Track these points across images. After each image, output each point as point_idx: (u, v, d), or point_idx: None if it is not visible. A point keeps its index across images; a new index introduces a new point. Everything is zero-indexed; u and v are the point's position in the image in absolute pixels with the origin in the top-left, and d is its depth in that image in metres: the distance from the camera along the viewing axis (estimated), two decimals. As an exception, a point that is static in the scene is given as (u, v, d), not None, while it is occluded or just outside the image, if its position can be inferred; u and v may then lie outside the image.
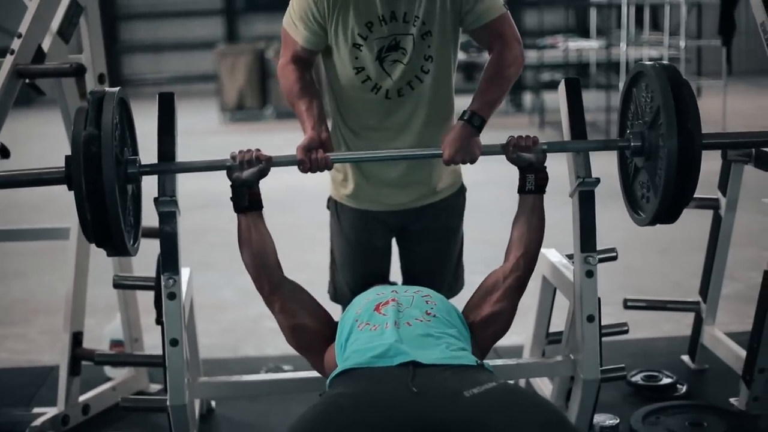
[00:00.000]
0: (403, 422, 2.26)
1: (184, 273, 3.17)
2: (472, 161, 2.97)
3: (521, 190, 2.96)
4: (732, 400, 3.69)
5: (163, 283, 2.81)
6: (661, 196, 2.72)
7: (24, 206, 8.59)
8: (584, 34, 14.20)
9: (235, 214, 2.93)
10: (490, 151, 2.94)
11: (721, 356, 3.88)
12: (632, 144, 2.85)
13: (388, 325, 2.66)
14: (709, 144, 2.82)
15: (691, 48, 12.50)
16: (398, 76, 3.07)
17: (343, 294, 3.45)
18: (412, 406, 2.29)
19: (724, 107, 10.99)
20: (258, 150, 2.84)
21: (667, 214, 2.79)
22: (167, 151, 2.87)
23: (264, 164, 2.83)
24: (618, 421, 3.33)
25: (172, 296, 2.82)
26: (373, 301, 2.85)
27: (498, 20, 3.07)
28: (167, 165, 2.84)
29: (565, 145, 2.97)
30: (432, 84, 3.12)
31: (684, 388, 3.87)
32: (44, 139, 12.96)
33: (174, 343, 2.83)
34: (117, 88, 2.71)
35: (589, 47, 12.86)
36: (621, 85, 11.34)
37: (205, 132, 13.55)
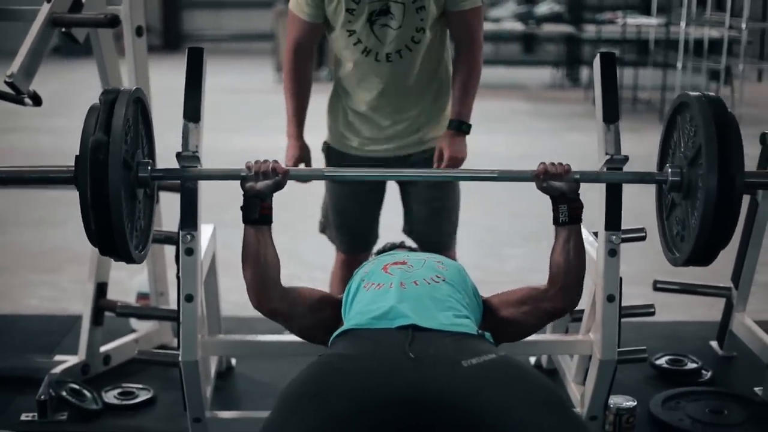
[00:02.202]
0: (396, 388, 2.24)
1: (207, 229, 3.18)
2: (461, 160, 3.46)
3: (555, 221, 2.79)
4: (756, 389, 3.64)
5: (180, 239, 2.81)
6: (695, 239, 2.59)
7: (70, 155, 8.66)
8: (645, 10, 13.98)
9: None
10: (520, 177, 2.83)
11: (749, 344, 3.83)
12: (670, 179, 2.72)
13: (393, 285, 2.64)
14: (752, 183, 2.70)
15: (754, 30, 12.26)
16: (387, 41, 3.33)
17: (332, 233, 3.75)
18: (408, 372, 2.28)
19: (784, 92, 10.82)
20: (275, 161, 2.74)
21: (701, 257, 2.65)
22: (193, 107, 2.86)
23: (280, 177, 2.72)
24: (635, 403, 3.29)
25: (190, 252, 2.83)
26: (383, 261, 2.84)
27: (473, 11, 3.38)
28: (180, 171, 2.78)
29: (599, 175, 2.86)
30: (424, 55, 3.40)
31: (709, 375, 3.82)
32: (100, 89, 12.90)
33: (189, 298, 2.84)
34: (133, 88, 2.64)
35: (648, 24, 12.66)
36: (679, 64, 11.24)
37: (259, 90, 13.59)
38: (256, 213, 2.73)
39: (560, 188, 2.74)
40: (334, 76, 3.58)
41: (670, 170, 2.73)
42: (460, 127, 3.45)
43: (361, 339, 2.48)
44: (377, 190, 3.68)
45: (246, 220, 2.74)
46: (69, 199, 6.43)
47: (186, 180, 2.80)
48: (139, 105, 2.71)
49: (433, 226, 3.66)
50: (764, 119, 10.81)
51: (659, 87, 11.51)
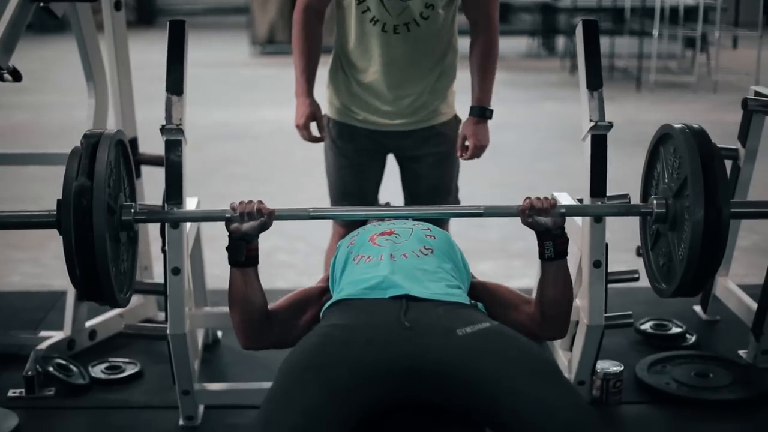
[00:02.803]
0: (394, 357, 2.27)
1: (191, 202, 3.16)
2: (485, 148, 3.50)
3: (541, 257, 2.71)
4: (740, 352, 3.67)
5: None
6: (684, 271, 2.57)
7: (46, 132, 8.63)
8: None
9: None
10: (506, 213, 2.75)
11: (732, 308, 3.85)
12: (655, 211, 2.69)
13: (383, 257, 2.64)
14: (737, 213, 2.68)
15: (729, -3, 12.32)
16: (397, 14, 3.30)
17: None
18: (404, 341, 2.30)
19: (759, 58, 10.83)
20: (260, 202, 2.63)
21: (689, 288, 2.64)
22: (176, 79, 2.84)
23: (266, 218, 2.62)
24: (622, 368, 3.31)
25: (176, 225, 2.81)
26: (369, 231, 2.83)
27: None
28: (164, 214, 2.75)
29: (585, 209, 2.85)
30: (431, 33, 3.37)
31: (693, 339, 3.85)
32: (74, 65, 12.89)
33: (176, 271, 2.83)
34: (114, 131, 2.58)
35: (624, -8, 12.70)
36: (655, 32, 11.25)
37: (236, 64, 13.57)
38: (243, 256, 2.64)
39: (545, 224, 2.65)
40: (335, 50, 3.52)
41: (655, 202, 2.71)
42: (484, 113, 3.46)
43: (356, 309, 2.48)
44: (377, 161, 3.64)
45: (232, 262, 2.66)
46: (46, 175, 6.47)
47: (168, 222, 2.78)
48: (120, 147, 2.65)
49: (437, 203, 3.64)
50: (740, 86, 10.83)
51: (636, 55, 11.54)
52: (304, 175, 6.89)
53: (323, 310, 2.61)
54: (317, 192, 6.10)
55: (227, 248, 2.65)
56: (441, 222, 3.47)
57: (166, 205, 2.80)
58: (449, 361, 2.25)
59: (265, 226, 2.63)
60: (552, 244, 2.67)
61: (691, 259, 2.53)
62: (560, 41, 14.56)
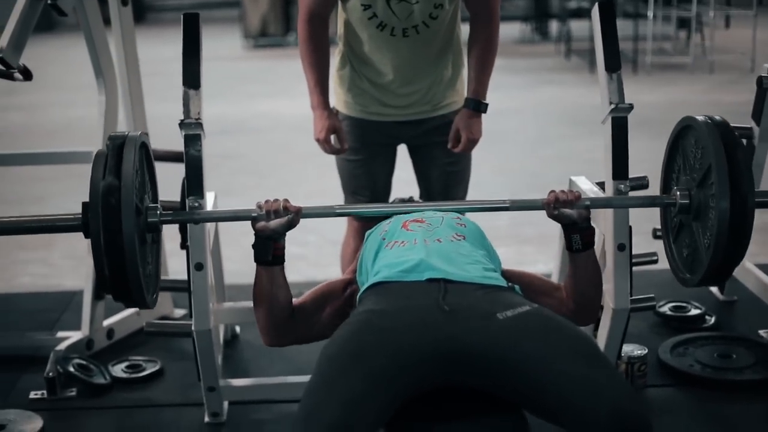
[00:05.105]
0: (433, 341, 2.25)
1: (209, 197, 3.14)
2: (477, 142, 3.45)
3: (569, 249, 2.73)
4: (761, 332, 3.66)
5: (188, 207, 2.77)
6: (710, 259, 2.57)
7: (42, 131, 8.59)
8: (612, -39, 14.05)
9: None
10: (530, 206, 2.77)
11: (751, 288, 3.83)
12: (679, 201, 2.70)
13: (417, 241, 2.61)
14: (762, 203, 2.69)
15: (721, -23, 12.30)
16: (405, 17, 3.25)
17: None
18: (444, 325, 2.28)
19: (755, 37, 10.83)
20: (286, 200, 2.63)
21: (715, 277, 2.66)
22: (193, 73, 2.83)
23: (293, 215, 2.60)
24: (646, 351, 3.30)
25: (197, 220, 2.78)
26: (401, 219, 2.80)
27: None
28: (189, 214, 2.72)
29: (609, 200, 2.84)
30: (439, 30, 3.33)
31: (713, 320, 3.84)
32: (65, 63, 12.96)
33: (199, 267, 2.80)
34: (138, 133, 2.57)
35: (617, -25, 12.69)
36: (650, 13, 11.24)
37: (228, 58, 13.50)
38: (270, 254, 2.63)
39: (571, 216, 2.66)
40: (341, 46, 3.48)
41: (678, 193, 2.72)
42: (479, 107, 3.41)
43: (393, 293, 2.46)
44: (388, 153, 3.63)
45: (258, 261, 2.65)
46: (46, 175, 6.43)
47: (195, 223, 2.75)
48: (144, 150, 2.64)
49: (451, 191, 3.63)
50: (737, 66, 10.85)
51: (630, 38, 11.51)
52: (306, 167, 6.88)
53: (360, 293, 2.58)
54: (319, 184, 6.11)
55: (253, 246, 2.63)
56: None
57: (187, 199, 2.77)
58: (491, 345, 2.24)
59: (292, 224, 2.62)
60: (579, 236, 2.68)
61: (718, 246, 2.53)
62: (553, 26, 14.55)
